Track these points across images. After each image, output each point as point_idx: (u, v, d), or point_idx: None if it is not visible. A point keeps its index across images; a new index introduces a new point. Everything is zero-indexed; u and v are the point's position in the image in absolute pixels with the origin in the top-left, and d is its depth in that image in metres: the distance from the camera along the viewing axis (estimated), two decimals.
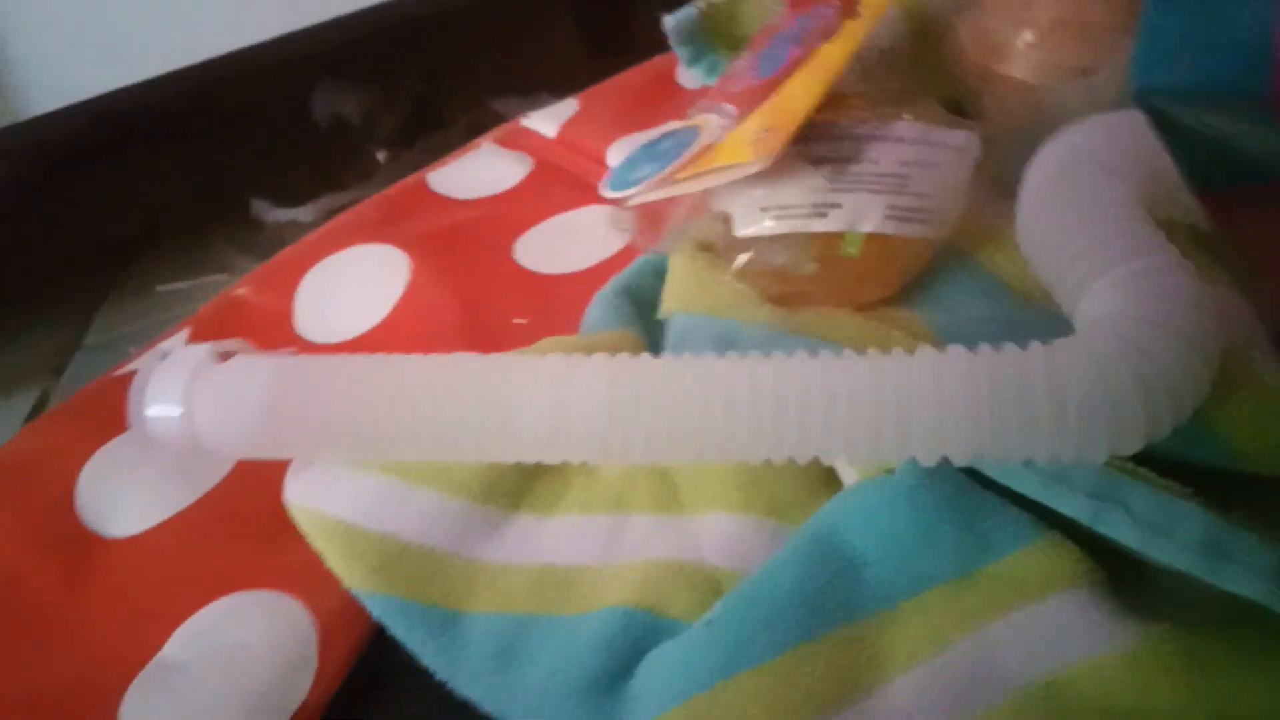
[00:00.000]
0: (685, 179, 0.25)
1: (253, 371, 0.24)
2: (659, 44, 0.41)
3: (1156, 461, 0.21)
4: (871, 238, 0.25)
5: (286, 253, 0.39)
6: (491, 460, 0.24)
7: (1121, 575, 0.21)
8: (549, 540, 0.25)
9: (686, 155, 0.25)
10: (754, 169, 0.23)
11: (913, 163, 0.25)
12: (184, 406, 0.24)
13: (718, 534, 0.23)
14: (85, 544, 0.27)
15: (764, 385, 0.20)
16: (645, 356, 0.22)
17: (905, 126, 0.25)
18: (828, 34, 0.25)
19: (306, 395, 0.24)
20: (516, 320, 0.33)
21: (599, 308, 0.30)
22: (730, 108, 0.26)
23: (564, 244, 0.37)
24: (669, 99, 0.44)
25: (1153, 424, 0.19)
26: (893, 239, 0.25)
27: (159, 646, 0.24)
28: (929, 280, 0.27)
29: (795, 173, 0.25)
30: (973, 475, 0.22)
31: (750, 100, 0.25)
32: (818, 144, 0.24)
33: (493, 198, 0.41)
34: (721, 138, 0.25)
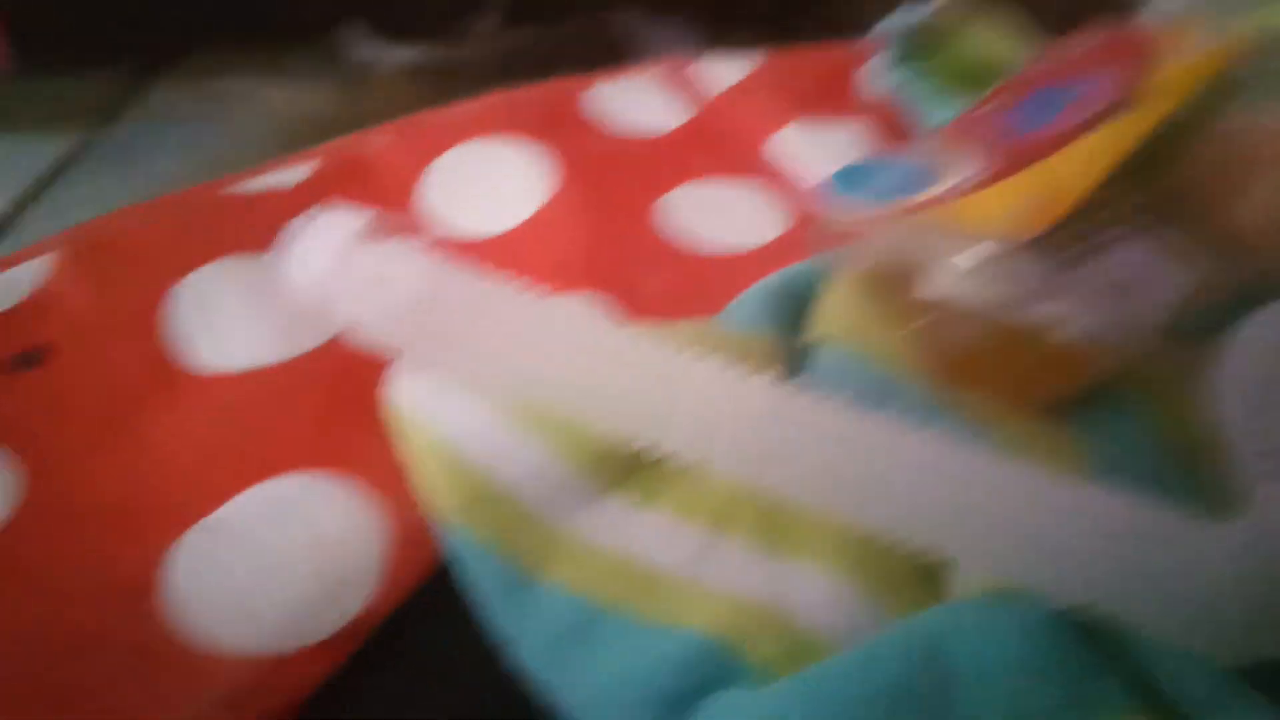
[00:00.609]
0: (914, 222, 0.23)
1: (412, 260, 0.23)
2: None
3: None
4: (1068, 345, 0.24)
5: (429, 118, 0.37)
6: (618, 435, 0.23)
7: None
8: (639, 531, 0.24)
9: (922, 196, 0.23)
10: (1009, 246, 0.22)
11: (1141, 281, 0.24)
12: (335, 272, 0.23)
13: (813, 589, 0.22)
14: (167, 363, 0.26)
15: (919, 459, 0.19)
16: (808, 393, 0.21)
17: (1152, 242, 0.23)
18: (1113, 109, 0.23)
19: (458, 306, 0.22)
20: (649, 282, 0.32)
21: (750, 304, 0.28)
22: (981, 155, 0.24)
23: (713, 214, 0.35)
24: (849, 97, 0.42)
25: None
26: (1088, 350, 0.24)
27: (223, 500, 0.23)
28: (1091, 400, 0.26)
29: (1019, 251, 0.23)
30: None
31: (1006, 157, 0.23)
32: (1059, 231, 0.23)
33: (647, 140, 0.39)
34: (966, 189, 0.23)
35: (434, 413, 0.24)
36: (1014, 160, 0.23)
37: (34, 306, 0.27)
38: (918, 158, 0.26)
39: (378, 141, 0.35)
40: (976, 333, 0.25)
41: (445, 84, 0.38)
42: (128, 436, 0.24)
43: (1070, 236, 0.23)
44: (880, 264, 0.27)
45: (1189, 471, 0.24)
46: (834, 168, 0.30)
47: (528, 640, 0.22)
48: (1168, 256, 0.24)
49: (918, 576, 0.23)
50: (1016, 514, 0.20)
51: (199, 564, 0.22)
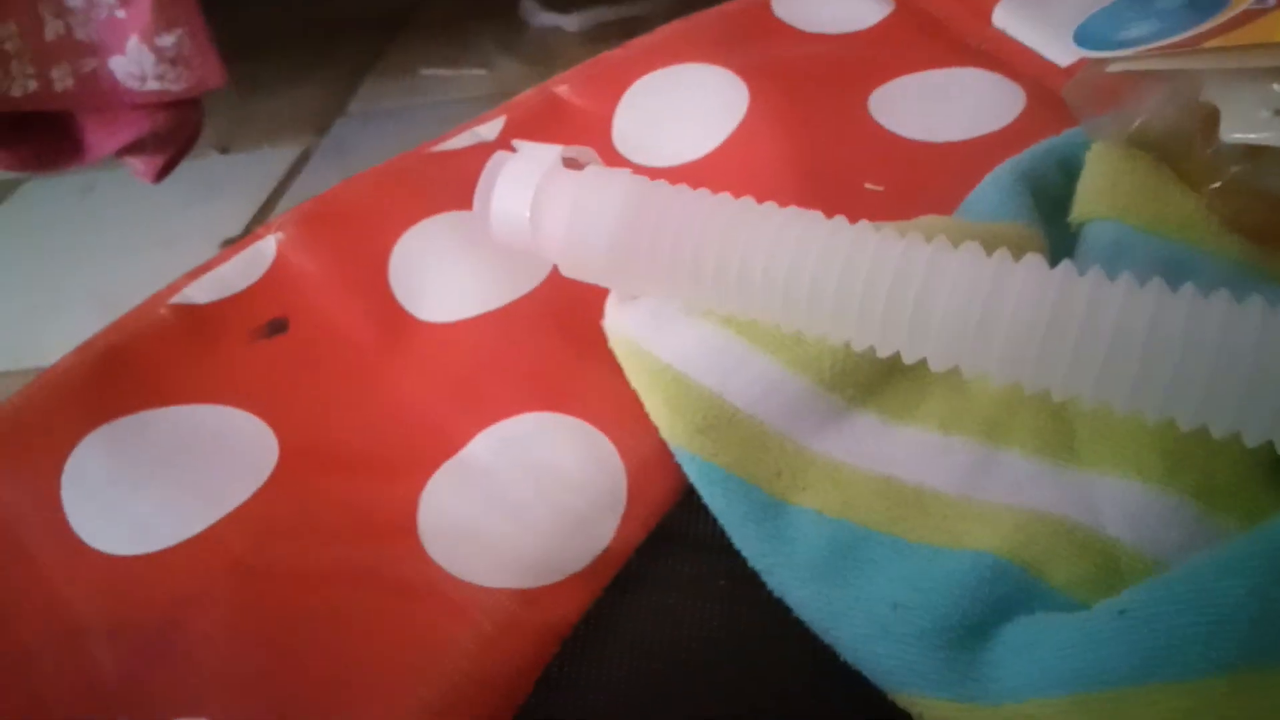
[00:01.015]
0: (1214, 51, 0.19)
1: (608, 188, 0.22)
2: None
3: None
4: None
5: (610, 57, 0.36)
6: (865, 344, 0.20)
7: None
8: (898, 449, 0.21)
9: (1214, 22, 0.19)
10: None
11: None
12: (532, 209, 0.22)
13: (1126, 501, 0.19)
14: (393, 317, 0.26)
15: (1263, 347, 0.15)
16: (1099, 272, 0.17)
17: None
18: None
19: (664, 226, 0.21)
20: (870, 185, 0.29)
21: (993, 192, 0.25)
22: None
23: (932, 106, 0.31)
24: None
25: None
26: None
27: (464, 442, 0.23)
28: None
29: None
30: None
31: None
32: None
33: (846, 36, 0.35)
34: (1272, 4, 0.19)
35: (655, 339, 0.23)
36: None
37: (273, 278, 0.28)
38: None
39: (565, 86, 0.34)
40: None
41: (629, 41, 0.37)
42: (369, 389, 0.25)
43: None
44: (1155, 121, 0.23)
45: None
46: (1072, 30, 0.25)
47: (787, 568, 0.20)
48: None
49: (1254, 480, 0.19)
50: None
51: (449, 503, 0.22)
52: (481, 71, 1.02)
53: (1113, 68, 0.22)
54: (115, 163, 0.73)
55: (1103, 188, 0.23)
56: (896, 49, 0.34)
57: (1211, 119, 0.21)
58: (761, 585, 0.20)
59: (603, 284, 0.24)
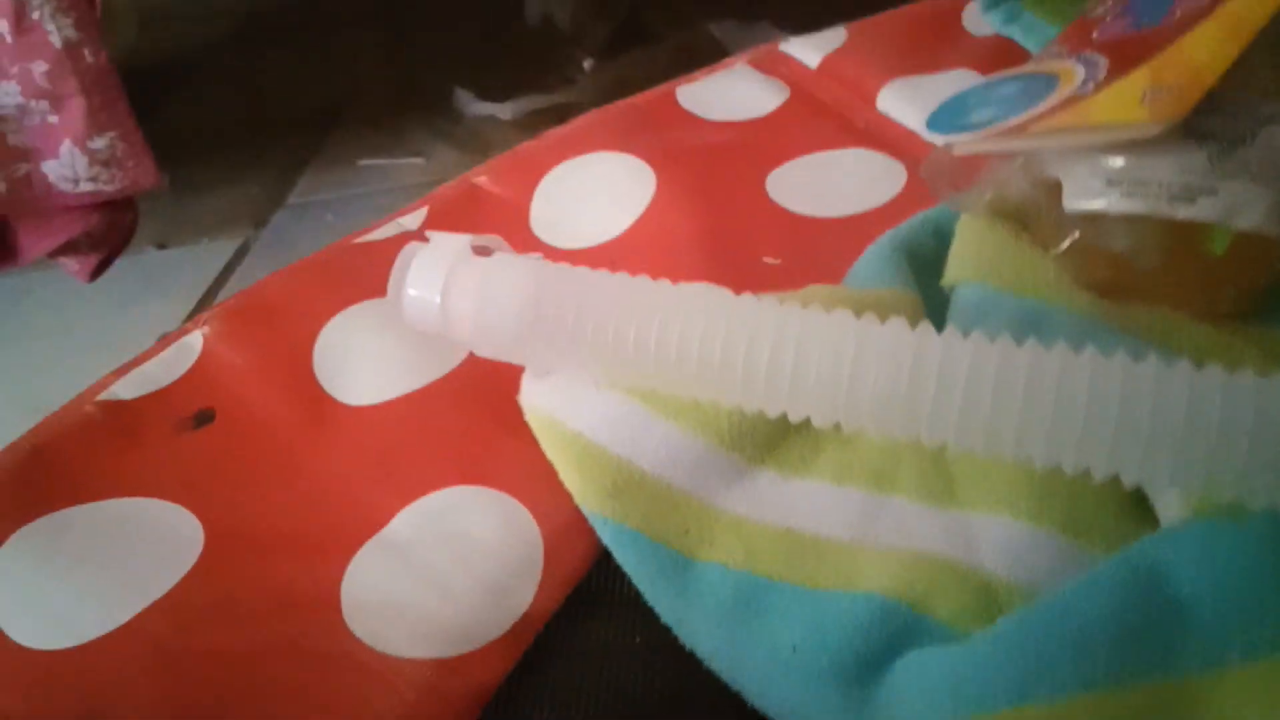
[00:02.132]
0: (1042, 132, 0.22)
1: (513, 272, 0.23)
2: None
3: None
4: (1244, 237, 0.21)
5: (527, 147, 0.38)
6: (754, 408, 0.22)
7: None
8: (795, 502, 0.23)
9: (1044, 105, 0.22)
10: (1150, 132, 0.20)
11: None
12: (442, 295, 0.23)
13: (999, 537, 0.21)
14: (318, 402, 0.27)
15: (1097, 389, 0.17)
16: (953, 331, 0.19)
17: None
18: None
19: (566, 304, 0.22)
20: (768, 259, 0.31)
21: (874, 261, 0.27)
22: (1100, 58, 0.22)
23: (824, 185, 0.34)
24: (952, 43, 0.40)
25: None
26: (1270, 242, 0.21)
27: (387, 519, 0.24)
28: None
29: (1166, 145, 0.21)
30: None
31: (1127, 52, 0.22)
32: (1207, 117, 0.21)
33: (745, 123, 0.38)
34: (1089, 91, 0.21)
35: (566, 410, 0.24)
36: (1139, 51, 0.21)
37: (199, 372, 0.29)
38: (1029, 71, 0.24)
39: (484, 176, 0.36)
40: (1135, 240, 0.22)
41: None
42: (294, 473, 0.26)
43: (1221, 120, 0.21)
44: (1007, 193, 0.25)
45: None
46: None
47: (696, 621, 0.21)
48: None
49: (1114, 514, 0.21)
50: (1213, 423, 0.18)
51: (372, 579, 0.23)
52: (418, 160, 1.04)
53: (957, 150, 0.24)
54: (49, 263, 0.73)
55: (968, 253, 0.25)
56: (791, 133, 0.37)
57: (1056, 190, 0.24)
58: (674, 640, 0.21)
59: (513, 361, 0.25)
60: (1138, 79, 0.20)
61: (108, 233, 0.68)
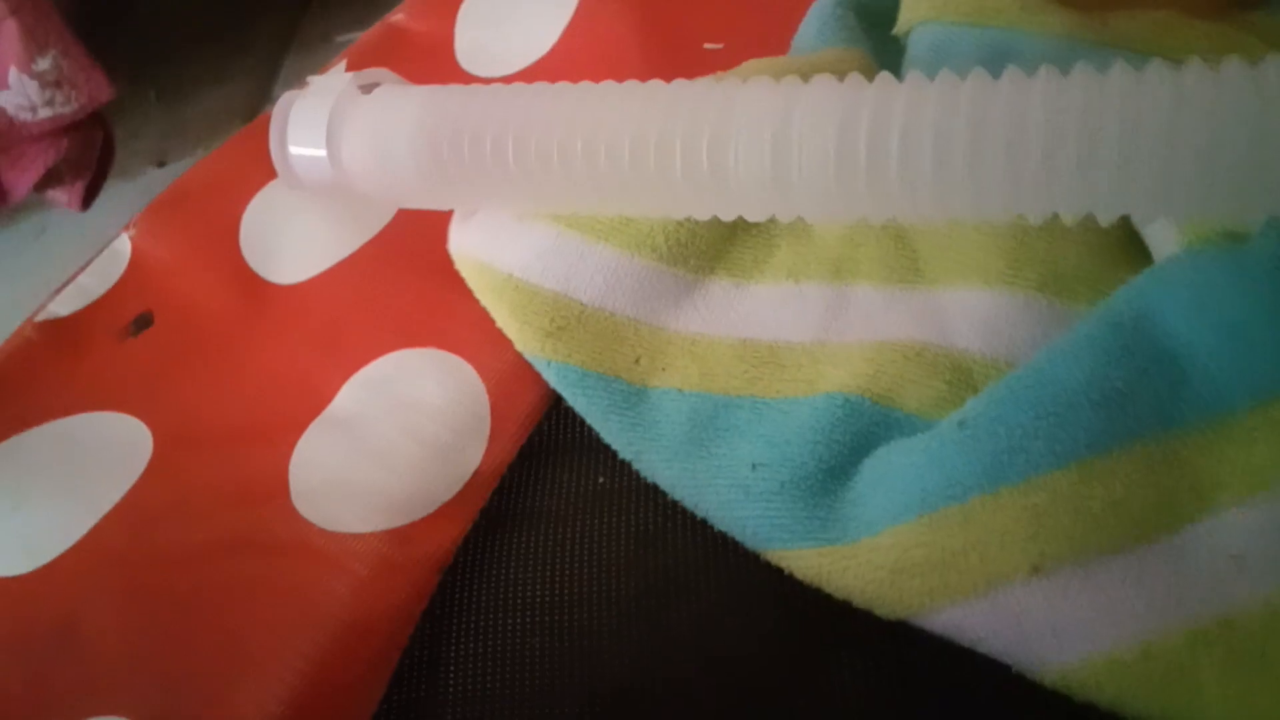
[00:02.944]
0: None
1: (400, 103, 0.21)
2: None
3: None
4: None
5: None
6: (681, 213, 0.19)
7: None
8: (751, 309, 0.21)
9: None
10: None
11: None
12: (328, 144, 0.21)
13: (973, 312, 0.18)
14: (252, 285, 0.26)
15: (1026, 112, 0.14)
16: (886, 76, 0.16)
17: None
18: None
19: (462, 130, 0.20)
20: (709, 45, 0.27)
21: (815, 22, 0.23)
22: None
23: None
24: None
25: None
26: None
27: (331, 395, 0.23)
28: None
29: None
30: None
31: None
32: None
33: None
34: None
35: (493, 251, 0.22)
36: None
37: (131, 276, 0.27)
38: None
39: (401, 14, 0.33)
40: None
41: None
42: (236, 363, 0.24)
43: None
44: None
45: None
46: None
47: (653, 450, 0.19)
48: None
49: (1099, 260, 0.18)
50: (1204, 133, 0.15)
51: (319, 459, 0.22)
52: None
53: None
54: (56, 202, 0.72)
55: None
56: None
57: None
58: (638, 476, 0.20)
59: (427, 206, 0.23)
60: None
61: (84, 155, 0.66)
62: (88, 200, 0.73)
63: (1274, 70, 0.14)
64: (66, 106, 0.61)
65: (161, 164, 0.97)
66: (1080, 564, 0.15)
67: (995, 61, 0.18)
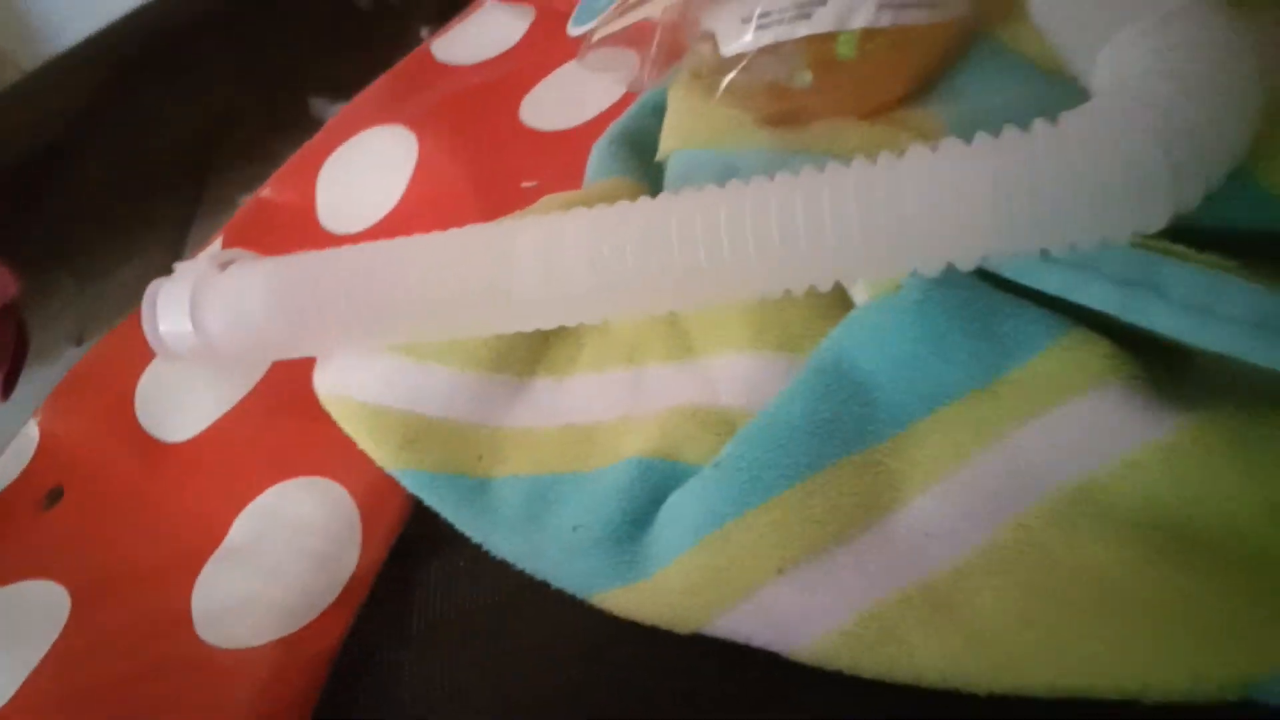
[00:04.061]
0: (641, 3, 0.23)
1: (250, 275, 0.25)
2: None
3: (1201, 233, 0.18)
4: (868, 34, 0.23)
5: (306, 147, 0.39)
6: (492, 331, 0.24)
7: (1159, 370, 0.19)
8: (568, 400, 0.25)
9: None
10: None
11: None
12: (192, 320, 0.25)
13: (732, 374, 0.23)
14: (148, 450, 0.29)
15: (736, 212, 0.19)
16: (624, 202, 0.21)
17: None
18: None
19: (304, 290, 0.24)
20: (526, 183, 0.32)
21: (597, 158, 0.28)
22: None
23: (570, 97, 0.35)
24: None
25: (1180, 192, 0.17)
26: (893, 32, 0.23)
27: (225, 531, 0.26)
28: (947, 72, 0.25)
29: None
30: (991, 280, 0.20)
31: None
32: None
33: (497, 58, 0.39)
34: None
35: (347, 384, 0.26)
36: None
37: (41, 454, 0.31)
38: None
39: (268, 189, 0.37)
40: (782, 67, 0.24)
41: None
42: (139, 516, 0.28)
43: None
44: (695, 59, 0.26)
45: (1052, 78, 0.23)
46: None
47: (496, 533, 0.23)
48: None
49: (821, 319, 0.23)
50: (865, 207, 0.19)
51: (218, 585, 0.25)
52: None
53: (596, 36, 0.25)
54: None
55: (670, 124, 0.27)
56: (539, 56, 0.38)
57: (715, 42, 0.25)
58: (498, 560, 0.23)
59: (288, 357, 0.26)
60: None
61: None
62: (8, 389, 0.75)
63: (915, 159, 0.18)
64: None
65: (80, 342, 0.99)
66: (812, 559, 0.19)
67: (722, 178, 0.22)
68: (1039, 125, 0.17)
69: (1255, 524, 0.16)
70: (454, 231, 0.23)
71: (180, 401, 0.30)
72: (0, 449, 0.31)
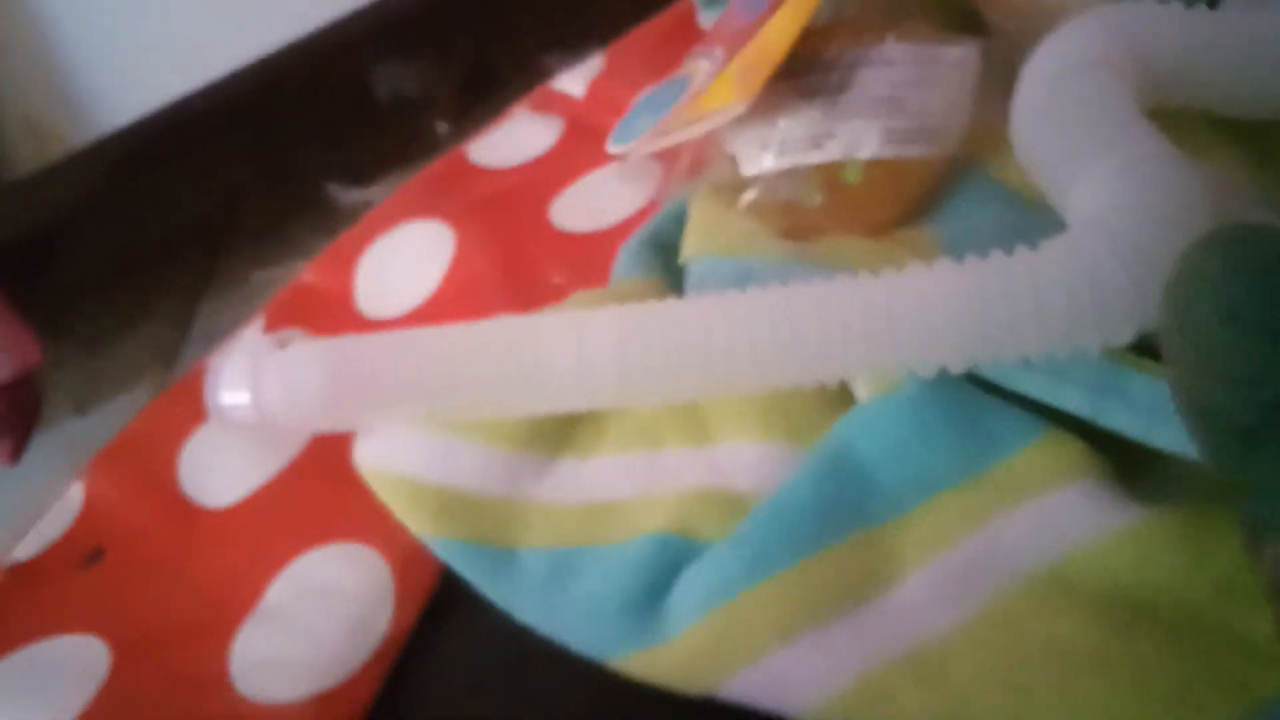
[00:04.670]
0: (676, 129, 0.26)
1: (309, 354, 0.27)
2: None
3: None
4: (873, 163, 0.26)
5: (345, 236, 0.42)
6: (525, 412, 0.26)
7: (1129, 469, 0.21)
8: (591, 478, 0.27)
9: (682, 101, 0.26)
10: (737, 111, 0.24)
11: (906, 83, 0.25)
12: (252, 392, 0.27)
13: (743, 460, 0.25)
14: (190, 514, 0.31)
15: (754, 315, 0.21)
16: (651, 301, 0.24)
17: (893, 48, 0.25)
18: None
19: (358, 371, 0.26)
20: (555, 280, 0.35)
21: (625, 258, 0.31)
22: (719, 51, 0.26)
23: (597, 201, 0.38)
24: (694, 43, 0.45)
25: (1144, 311, 0.20)
26: (894, 161, 0.26)
27: (261, 594, 0.28)
28: (941, 197, 0.28)
29: (790, 107, 0.26)
30: (979, 383, 0.23)
31: (737, 41, 0.26)
32: (808, 77, 0.25)
33: (528, 164, 0.42)
34: (708, 83, 0.26)
35: (388, 458, 0.28)
36: (740, 42, 0.25)
37: (85, 516, 0.32)
38: (677, 75, 0.29)
39: (309, 273, 0.40)
40: (795, 188, 0.27)
41: None
42: (178, 576, 0.29)
43: (822, 76, 0.25)
44: (709, 177, 0.30)
45: (1033, 206, 0.26)
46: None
47: (520, 599, 0.25)
48: (928, 45, 0.26)
49: (825, 412, 0.25)
50: (866, 316, 0.22)
51: (254, 644, 0.26)
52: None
53: (631, 155, 0.29)
54: None
55: (692, 230, 0.30)
56: (567, 161, 0.41)
57: (736, 161, 0.28)
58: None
59: (335, 430, 0.29)
60: (734, 66, 0.25)
61: (12, 415, 0.71)
62: (17, 454, 0.77)
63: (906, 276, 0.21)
64: (1, 371, 0.66)
65: (81, 411, 1.01)
66: (814, 628, 0.20)
67: (740, 284, 0.25)
68: (1021, 251, 0.20)
69: (1204, 601, 0.18)
70: (499, 320, 0.26)
71: (223, 469, 0.32)
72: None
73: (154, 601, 0.29)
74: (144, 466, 0.33)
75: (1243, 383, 0.15)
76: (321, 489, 0.30)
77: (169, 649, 0.27)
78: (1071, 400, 0.21)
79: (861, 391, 0.24)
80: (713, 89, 0.25)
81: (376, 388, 0.26)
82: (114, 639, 0.28)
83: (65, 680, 0.27)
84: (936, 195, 0.28)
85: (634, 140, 0.28)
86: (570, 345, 0.24)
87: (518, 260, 0.37)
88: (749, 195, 0.27)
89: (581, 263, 0.35)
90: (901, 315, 0.21)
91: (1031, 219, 0.26)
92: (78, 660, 0.28)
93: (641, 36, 0.47)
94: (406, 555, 0.27)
